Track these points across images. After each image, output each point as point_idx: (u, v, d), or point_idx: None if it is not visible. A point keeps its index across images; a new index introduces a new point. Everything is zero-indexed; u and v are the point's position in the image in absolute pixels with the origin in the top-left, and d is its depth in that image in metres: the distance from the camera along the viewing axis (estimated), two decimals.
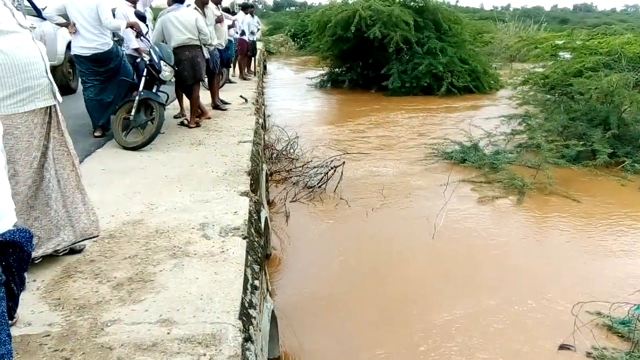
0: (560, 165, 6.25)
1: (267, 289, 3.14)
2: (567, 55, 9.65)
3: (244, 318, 2.03)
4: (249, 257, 2.62)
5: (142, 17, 5.26)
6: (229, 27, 8.73)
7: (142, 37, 5.23)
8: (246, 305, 2.16)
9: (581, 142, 6.53)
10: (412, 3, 13.81)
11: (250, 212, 3.23)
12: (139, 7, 5.83)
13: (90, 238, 2.55)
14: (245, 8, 11.60)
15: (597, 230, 4.83)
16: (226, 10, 9.59)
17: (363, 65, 14.19)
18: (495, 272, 4.04)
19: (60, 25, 5.24)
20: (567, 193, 5.56)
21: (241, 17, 10.83)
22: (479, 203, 5.46)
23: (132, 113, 4.85)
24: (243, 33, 10.79)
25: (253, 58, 12.56)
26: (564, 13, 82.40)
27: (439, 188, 5.67)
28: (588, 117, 7.14)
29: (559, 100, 8.32)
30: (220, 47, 7.27)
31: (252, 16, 11.90)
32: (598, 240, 4.62)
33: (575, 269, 4.10)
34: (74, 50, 5.10)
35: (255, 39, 12.35)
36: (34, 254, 2.27)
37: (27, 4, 7.19)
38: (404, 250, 4.46)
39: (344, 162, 5.94)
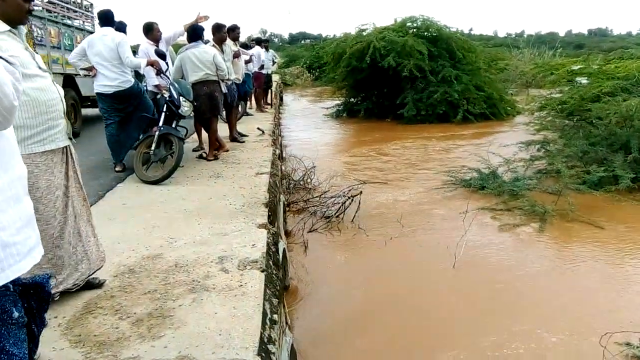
0: (582, 191, 6.13)
1: (286, 322, 3.11)
2: (583, 81, 9.60)
3: (262, 354, 2.01)
4: (268, 290, 2.61)
5: (161, 55, 5.43)
6: (247, 62, 8.95)
7: (162, 75, 5.38)
8: (265, 340, 2.14)
9: (602, 168, 6.42)
10: (425, 33, 13.97)
11: (268, 245, 3.24)
12: (162, 46, 6.03)
13: (98, 269, 2.58)
14: (260, 42, 11.90)
15: (622, 257, 4.69)
16: (243, 45, 9.84)
17: (378, 94, 14.32)
18: (519, 302, 3.93)
19: (85, 69, 5.44)
20: (590, 219, 5.44)
21: (258, 51, 11.11)
22: (500, 231, 5.37)
23: (152, 148, 4.95)
24: (262, 67, 11.08)
25: (269, 90, 12.80)
26: (579, 38, 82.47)
27: (458, 216, 5.60)
28: (608, 141, 7.03)
29: (577, 125, 8.23)
30: (238, 82, 7.43)
31: (267, 50, 12.20)
32: (623, 268, 4.49)
33: (601, 298, 3.97)
34: (96, 89, 5.27)
35: (270, 72, 12.62)
36: (55, 290, 2.30)
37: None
38: (424, 281, 4.39)
39: (361, 192, 5.93)
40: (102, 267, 2.61)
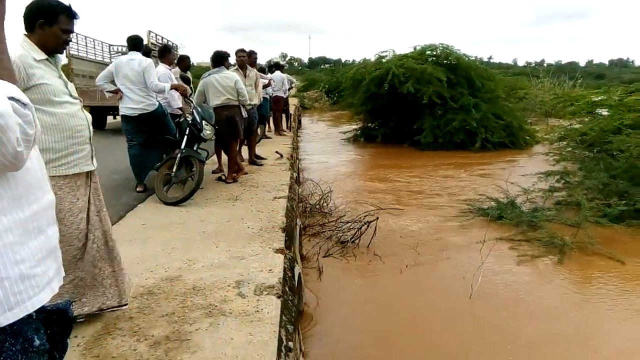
0: (602, 224, 6.04)
1: (301, 350, 3.10)
2: (604, 112, 9.53)
3: None
4: (283, 317, 2.62)
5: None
6: (265, 86, 9.12)
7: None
8: None
9: (623, 201, 6.33)
10: (444, 61, 14.07)
11: (284, 270, 3.25)
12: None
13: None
14: (279, 67, 12.14)
15: None
16: (261, 70, 10.05)
17: (396, 119, 14.37)
18: (539, 338, 3.86)
19: (111, 92, 5.58)
20: (610, 253, 5.35)
21: (281, 76, 11.32)
22: (518, 262, 5.30)
23: (174, 169, 5.04)
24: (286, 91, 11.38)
25: (287, 114, 12.98)
26: (600, 68, 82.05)
27: (476, 245, 5.55)
28: (629, 174, 6.95)
29: (598, 157, 8.15)
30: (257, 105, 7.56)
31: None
32: None
33: (624, 335, 3.88)
34: (122, 111, 5.41)
35: (287, 96, 12.86)
36: (79, 312, 2.35)
37: None
38: (440, 310, 4.34)
39: (377, 218, 5.92)
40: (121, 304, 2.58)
